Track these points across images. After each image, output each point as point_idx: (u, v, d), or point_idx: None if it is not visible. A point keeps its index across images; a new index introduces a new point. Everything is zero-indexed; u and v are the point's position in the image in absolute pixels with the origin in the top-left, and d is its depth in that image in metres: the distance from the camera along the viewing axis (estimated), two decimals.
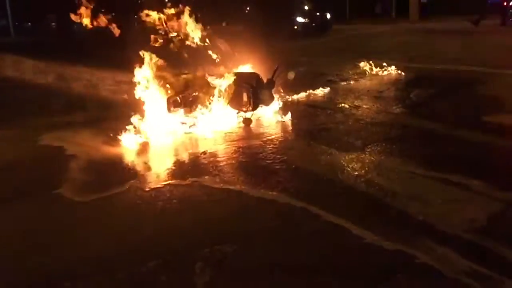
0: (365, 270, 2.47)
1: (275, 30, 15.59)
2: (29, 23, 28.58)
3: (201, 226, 3.00)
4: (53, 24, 26.16)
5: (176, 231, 2.95)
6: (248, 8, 17.91)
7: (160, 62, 5.29)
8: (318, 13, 17.29)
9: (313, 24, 16.64)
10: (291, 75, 5.90)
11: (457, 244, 2.63)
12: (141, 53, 5.40)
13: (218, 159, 4.23)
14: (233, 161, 4.15)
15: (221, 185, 3.60)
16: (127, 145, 4.67)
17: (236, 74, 5.64)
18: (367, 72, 8.43)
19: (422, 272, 2.42)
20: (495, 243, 2.61)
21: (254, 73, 5.67)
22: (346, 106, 6.01)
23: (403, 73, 8.13)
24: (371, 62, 8.64)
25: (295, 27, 16.36)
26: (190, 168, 4.04)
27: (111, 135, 4.82)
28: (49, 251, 2.80)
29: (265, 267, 2.52)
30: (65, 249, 2.82)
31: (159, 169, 4.06)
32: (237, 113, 5.46)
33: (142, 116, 5.26)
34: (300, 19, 16.47)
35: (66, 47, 15.19)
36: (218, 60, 5.70)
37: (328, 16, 17.39)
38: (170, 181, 3.72)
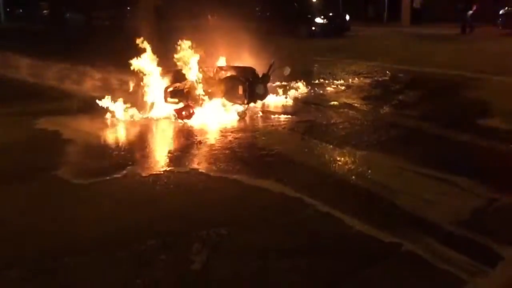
0: (354, 255, 2.60)
1: (292, 30, 15.73)
2: (21, 10, 28.32)
3: (197, 211, 3.11)
4: (45, 11, 25.96)
5: (173, 214, 3.05)
6: (259, 8, 17.94)
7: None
8: (337, 15, 17.19)
9: (332, 25, 16.57)
10: (286, 71, 6.01)
11: (442, 234, 2.78)
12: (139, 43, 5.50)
13: (214, 149, 4.33)
14: (228, 151, 4.26)
15: (217, 173, 3.71)
16: (123, 132, 4.75)
17: (232, 67, 5.75)
18: (360, 72, 8.58)
19: (408, 258, 2.56)
20: (477, 234, 2.76)
21: (249, 67, 5.78)
22: (339, 104, 6.15)
23: (394, 75, 8.30)
24: (363, 63, 8.81)
25: (313, 28, 16.29)
26: (187, 156, 4.14)
27: (108, 121, 4.90)
28: (50, 230, 2.88)
29: (259, 249, 2.63)
30: (65, 228, 2.90)
31: (156, 156, 4.16)
32: (232, 105, 5.56)
33: (139, 105, 5.36)
34: (318, 20, 16.40)
35: (57, 36, 15.10)
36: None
37: (347, 17, 17.33)
38: (167, 168, 3.82)
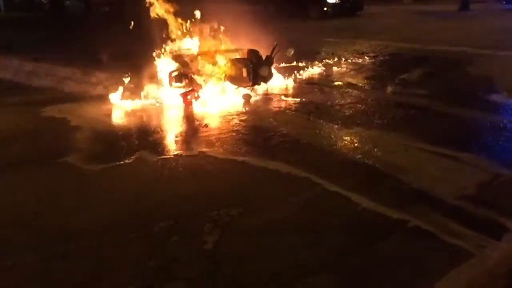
0: (363, 230, 2.65)
1: (302, 12, 15.23)
2: None
3: (207, 192, 3.16)
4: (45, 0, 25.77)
5: (183, 197, 3.10)
6: None
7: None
8: None
9: (346, 5, 15.95)
10: (290, 52, 6.01)
11: (448, 209, 2.82)
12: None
13: (220, 132, 4.37)
14: (235, 134, 4.30)
15: (225, 155, 3.76)
16: (130, 118, 4.80)
17: (236, 50, 5.75)
18: (364, 52, 8.55)
19: (415, 233, 2.61)
20: (483, 208, 2.81)
21: (253, 49, 5.77)
22: (344, 84, 6.15)
23: (398, 53, 8.27)
24: (367, 42, 8.77)
25: (325, 8, 15.64)
26: (194, 140, 4.18)
27: (114, 108, 4.95)
28: (63, 214, 2.94)
29: (269, 227, 2.69)
30: (78, 212, 2.96)
31: (163, 141, 4.20)
32: (237, 88, 5.58)
33: (145, 90, 5.39)
34: (330, 0, 15.65)
35: (57, 25, 15.02)
36: None
37: None
38: (175, 152, 3.88)
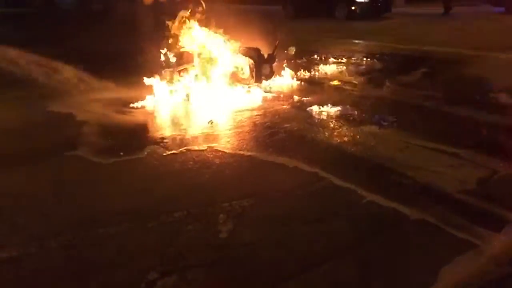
0: (369, 221, 2.78)
1: (327, 11, 14.51)
2: None
3: (218, 185, 3.26)
4: None
5: (196, 189, 3.21)
6: None
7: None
8: None
9: (379, 4, 14.76)
10: (291, 50, 6.12)
11: (450, 202, 2.96)
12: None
13: (226, 128, 4.47)
14: (240, 130, 4.40)
15: (233, 150, 3.86)
16: (137, 114, 4.88)
17: (239, 48, 5.85)
18: (360, 52, 8.69)
19: (419, 225, 2.73)
20: (483, 202, 2.95)
21: (255, 47, 5.88)
22: (344, 82, 6.28)
23: (395, 54, 8.43)
24: (367, 42, 8.91)
25: (353, 7, 14.35)
26: (201, 135, 4.27)
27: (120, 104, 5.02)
28: (79, 204, 3.03)
29: (280, 218, 2.81)
30: (94, 202, 3.05)
31: (171, 136, 4.28)
32: (239, 86, 5.67)
33: (150, 87, 5.47)
34: None
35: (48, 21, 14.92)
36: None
37: None
38: (184, 147, 3.96)
